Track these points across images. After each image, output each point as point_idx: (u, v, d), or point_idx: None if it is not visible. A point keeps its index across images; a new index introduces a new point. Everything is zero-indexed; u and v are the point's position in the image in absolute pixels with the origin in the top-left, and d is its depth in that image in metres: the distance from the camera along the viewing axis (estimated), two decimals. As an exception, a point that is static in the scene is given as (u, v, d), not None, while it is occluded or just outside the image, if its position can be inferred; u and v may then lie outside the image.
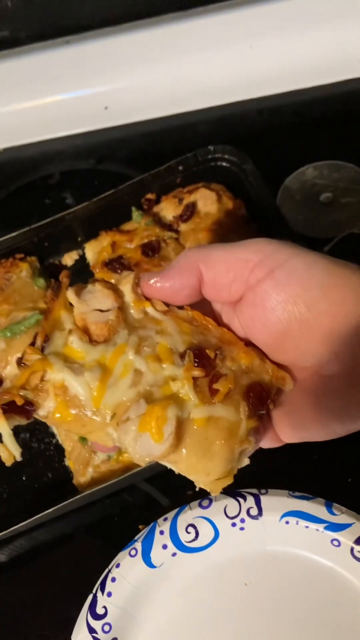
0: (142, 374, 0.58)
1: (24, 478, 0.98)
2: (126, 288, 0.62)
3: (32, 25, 1.12)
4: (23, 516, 0.94)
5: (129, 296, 0.62)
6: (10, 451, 0.64)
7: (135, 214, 1.11)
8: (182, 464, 0.57)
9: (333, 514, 0.82)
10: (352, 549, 0.80)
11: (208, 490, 0.60)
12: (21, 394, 0.59)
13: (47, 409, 0.59)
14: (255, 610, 0.83)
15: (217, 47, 1.26)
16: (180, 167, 1.13)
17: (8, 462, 0.66)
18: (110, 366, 0.58)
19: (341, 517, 0.81)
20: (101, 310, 0.61)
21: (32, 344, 0.62)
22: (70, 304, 0.63)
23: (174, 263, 0.60)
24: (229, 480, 0.60)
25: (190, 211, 1.09)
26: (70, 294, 0.63)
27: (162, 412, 0.55)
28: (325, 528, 0.81)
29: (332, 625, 0.80)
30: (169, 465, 0.59)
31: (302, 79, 1.25)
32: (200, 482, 0.59)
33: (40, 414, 0.60)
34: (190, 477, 0.59)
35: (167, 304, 0.62)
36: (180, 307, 0.62)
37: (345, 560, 0.81)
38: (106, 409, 0.57)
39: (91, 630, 0.81)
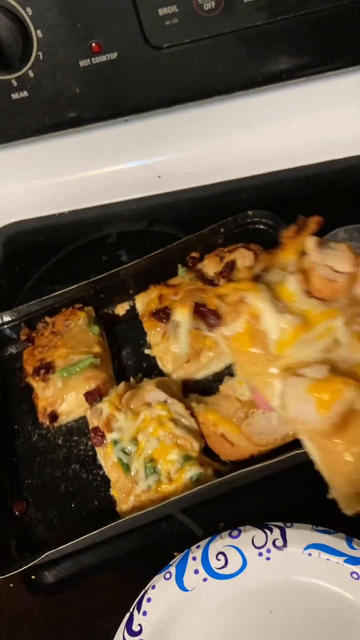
0: (338, 345, 0.53)
1: (72, 505, 1.08)
2: None
3: (96, 107, 1.29)
4: (71, 538, 1.04)
5: None
6: (181, 346, 0.64)
7: (181, 270, 1.24)
8: (331, 456, 0.50)
9: (353, 548, 0.88)
10: (369, 582, 0.85)
11: (341, 506, 0.51)
12: (217, 303, 0.56)
13: (231, 331, 0.55)
14: (278, 637, 0.89)
15: (258, 123, 1.40)
16: (222, 230, 1.26)
17: (182, 356, 0.62)
18: (313, 323, 0.53)
19: (360, 551, 0.87)
20: (333, 270, 0.57)
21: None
22: (303, 254, 0.58)
23: None
24: None
25: (229, 268, 1.20)
26: (311, 241, 0.60)
27: (341, 387, 0.49)
28: (345, 561, 0.87)
29: (350, 654, 0.85)
30: (311, 452, 0.51)
31: (335, 151, 1.37)
32: (338, 490, 0.51)
33: (224, 332, 0.56)
34: (330, 477, 0.50)
35: None
36: None
37: (364, 592, 0.86)
38: (287, 358, 0.52)
39: (127, 644, 0.88)
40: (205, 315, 0.59)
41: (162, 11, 1.14)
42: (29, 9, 1.12)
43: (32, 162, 1.47)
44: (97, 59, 1.20)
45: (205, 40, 1.19)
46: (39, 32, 1.15)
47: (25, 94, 1.24)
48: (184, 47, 1.20)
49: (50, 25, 1.15)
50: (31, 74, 1.21)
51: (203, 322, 0.61)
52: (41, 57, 1.18)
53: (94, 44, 1.18)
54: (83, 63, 1.20)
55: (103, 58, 1.20)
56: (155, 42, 1.19)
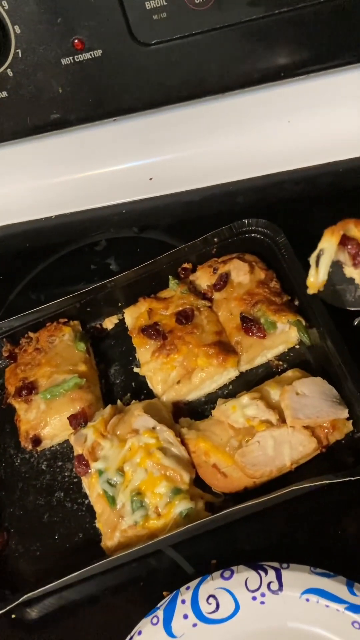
0: None
1: (56, 537, 1.02)
2: None
3: (81, 108, 1.21)
4: (54, 573, 0.97)
5: None
6: (319, 275, 0.63)
7: (172, 282, 1.16)
8: None
9: (354, 594, 0.81)
10: (372, 634, 0.79)
11: None
12: None
13: None
14: None
15: (255, 123, 1.33)
16: (216, 239, 1.18)
17: (312, 288, 0.66)
18: None
19: (362, 599, 0.80)
20: None
21: None
22: None
23: None
24: None
25: (223, 281, 1.13)
26: None
27: None
28: (347, 609, 0.81)
29: None
30: None
31: (337, 152, 1.29)
32: None
33: None
34: None
35: None
36: None
37: (366, 645, 0.80)
38: None
39: None
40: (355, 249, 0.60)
41: (149, 4, 1.06)
42: (5, 3, 1.04)
43: (15, 165, 1.40)
44: (80, 57, 1.12)
45: (196, 36, 1.11)
46: (16, 27, 1.07)
47: (4, 94, 1.16)
48: (174, 43, 1.12)
49: (28, 20, 1.07)
50: (10, 73, 1.13)
51: (349, 256, 0.64)
52: (20, 54, 1.11)
53: (76, 41, 1.10)
54: (65, 61, 1.13)
55: (86, 55, 1.12)
56: (143, 38, 1.11)
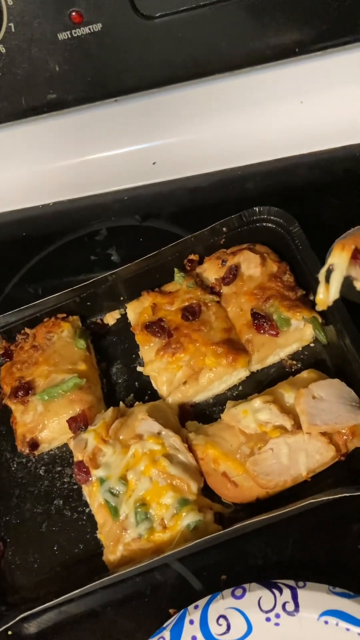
0: None
1: (55, 548, 0.96)
2: None
3: (79, 88, 1.13)
4: (52, 587, 0.92)
5: None
6: (331, 293, 0.64)
7: (177, 275, 1.09)
8: None
9: (377, 617, 0.75)
10: None
11: None
12: None
13: None
14: None
15: (266, 103, 1.25)
16: (225, 229, 1.11)
17: (321, 305, 0.63)
18: None
19: (386, 623, 0.74)
20: None
21: None
22: None
23: None
24: None
25: (232, 274, 1.06)
26: None
27: None
28: (368, 632, 0.75)
29: None
30: None
31: (354, 135, 1.21)
32: None
33: None
34: None
35: None
36: None
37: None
38: None
39: None
40: None
41: (153, -27, 0.98)
42: (-5, -28, 0.96)
43: (10, 149, 1.32)
44: (78, 31, 1.05)
45: (204, 8, 1.03)
46: (9, -1, 0.99)
47: (-4, 72, 1.08)
48: (180, 16, 1.04)
49: (22, -9, 0.99)
50: (2, 49, 1.05)
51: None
52: (13, 29, 1.03)
53: (73, 14, 1.03)
54: (62, 36, 1.05)
55: (85, 30, 1.05)
56: (146, 10, 1.04)
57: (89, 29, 1.04)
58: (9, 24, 1.02)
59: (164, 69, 1.13)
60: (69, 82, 1.12)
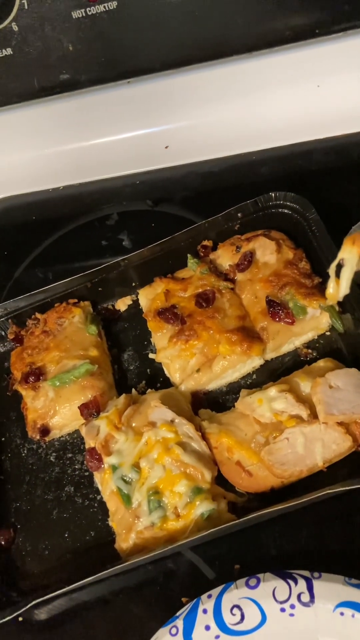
0: None
1: (66, 535, 0.95)
2: None
3: (92, 68, 1.10)
4: (63, 574, 0.91)
5: None
6: (341, 288, 0.64)
7: (191, 261, 1.08)
8: None
9: (394, 609, 0.75)
10: None
11: None
12: None
13: None
14: None
15: (282, 87, 1.22)
16: (239, 214, 1.09)
17: (332, 300, 0.65)
18: None
19: None
20: None
21: None
22: None
23: None
24: None
25: (247, 260, 1.04)
26: None
27: None
28: (385, 624, 0.74)
29: None
30: None
31: (372, 119, 1.18)
32: None
33: None
34: None
35: None
36: None
37: None
38: None
39: None
40: None
41: None
42: None
43: (20, 131, 1.30)
44: (92, 10, 1.02)
45: (222, -14, 1.00)
46: (22, -25, 0.97)
47: (8, 51, 1.06)
48: (197, -6, 1.01)
49: (35, -34, 0.96)
50: (14, 27, 1.03)
51: None
52: (25, 6, 1.01)
53: (88, -9, 0.99)
54: (76, 14, 1.03)
55: (100, 8, 1.02)
56: (163, -12, 1.01)
57: (104, 7, 1.01)
58: (22, 1, 0.99)
59: (179, 50, 1.10)
60: (82, 62, 1.09)
